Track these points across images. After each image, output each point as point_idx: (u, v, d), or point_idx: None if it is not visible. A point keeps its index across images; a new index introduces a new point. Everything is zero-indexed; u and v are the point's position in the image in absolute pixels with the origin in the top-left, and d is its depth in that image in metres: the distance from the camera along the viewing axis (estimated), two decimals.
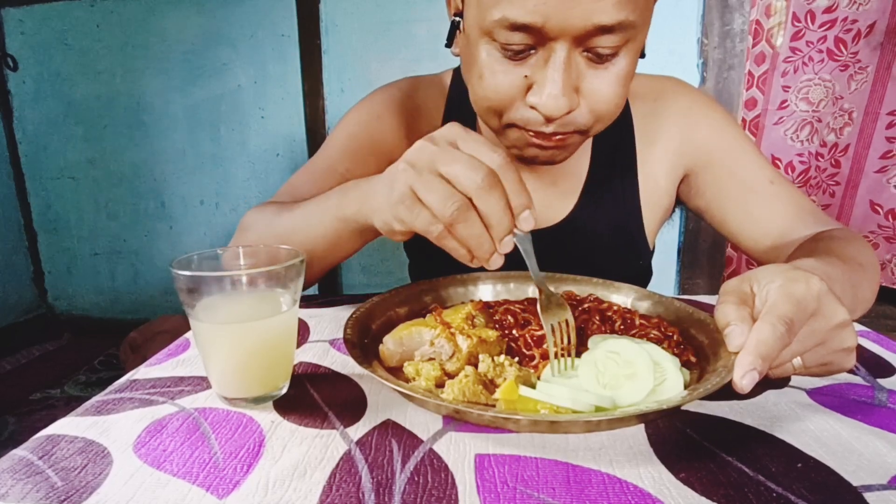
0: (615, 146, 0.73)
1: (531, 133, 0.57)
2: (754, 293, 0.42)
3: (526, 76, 0.54)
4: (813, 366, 0.41)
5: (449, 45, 0.64)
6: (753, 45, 1.57)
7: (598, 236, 0.74)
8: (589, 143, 0.74)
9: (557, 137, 0.57)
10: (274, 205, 0.66)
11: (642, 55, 0.60)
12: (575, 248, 0.74)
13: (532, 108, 0.55)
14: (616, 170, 0.73)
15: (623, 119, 0.73)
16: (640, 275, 0.80)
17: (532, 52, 0.53)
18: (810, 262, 0.49)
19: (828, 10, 1.51)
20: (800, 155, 1.65)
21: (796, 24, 1.53)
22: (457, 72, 0.79)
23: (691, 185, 0.74)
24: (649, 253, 0.79)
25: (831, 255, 0.53)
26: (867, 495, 0.32)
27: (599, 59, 0.53)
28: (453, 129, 0.44)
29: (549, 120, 0.55)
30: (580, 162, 0.74)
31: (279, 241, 0.58)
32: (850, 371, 0.47)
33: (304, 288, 0.69)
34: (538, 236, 0.72)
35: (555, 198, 0.74)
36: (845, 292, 0.48)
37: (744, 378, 0.36)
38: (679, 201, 0.78)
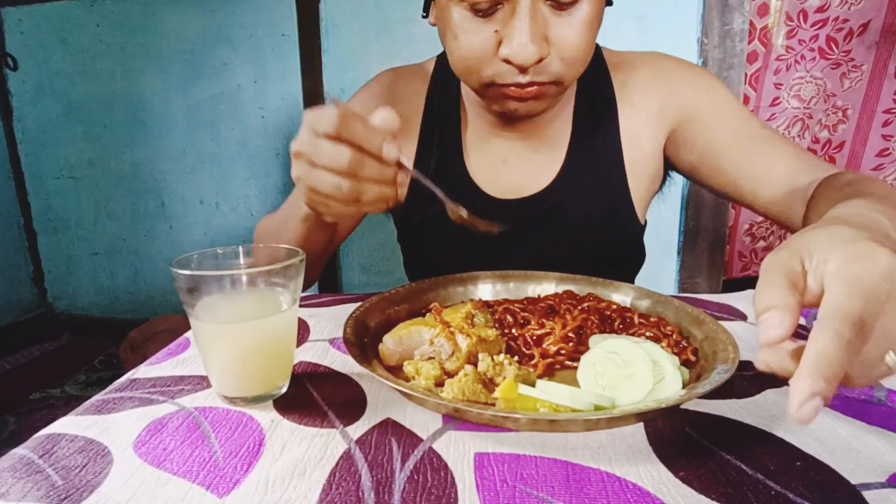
0: (597, 113, 0.74)
1: (510, 87, 0.60)
2: (806, 271, 0.32)
3: (496, 31, 0.57)
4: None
5: (426, 14, 0.68)
6: (748, 44, 1.59)
7: (584, 203, 0.74)
8: (570, 110, 0.74)
9: (534, 88, 0.60)
10: (270, 217, 0.75)
11: (609, 2, 0.63)
12: (560, 215, 0.74)
13: (505, 61, 0.57)
14: (598, 136, 0.74)
15: (603, 86, 0.74)
16: (630, 249, 0.80)
17: (499, 7, 0.56)
18: (862, 206, 0.39)
19: (820, 9, 1.52)
20: None
21: (789, 22, 1.55)
22: (440, 58, 0.80)
23: (679, 142, 0.73)
24: (639, 225, 0.78)
25: (868, 197, 0.42)
26: (866, 493, 0.32)
27: (561, 6, 0.56)
28: (307, 118, 0.47)
29: (522, 70, 0.58)
30: (562, 129, 0.74)
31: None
32: None
33: (305, 286, 0.72)
34: (523, 205, 0.74)
35: (538, 165, 0.75)
36: None
37: (803, 408, 0.27)
38: (675, 175, 0.77)
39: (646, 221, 0.80)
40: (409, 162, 0.50)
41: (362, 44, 1.80)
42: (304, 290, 0.76)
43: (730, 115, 0.69)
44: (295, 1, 1.82)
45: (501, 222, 0.74)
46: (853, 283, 0.29)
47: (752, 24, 1.56)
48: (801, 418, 0.27)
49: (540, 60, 0.56)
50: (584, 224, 0.75)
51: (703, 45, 1.58)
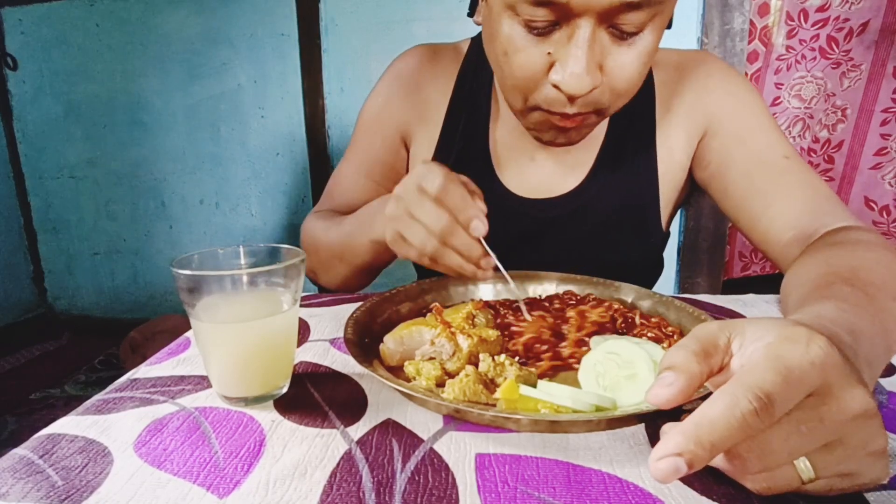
0: (634, 114, 0.70)
1: (555, 115, 0.57)
2: (731, 351, 0.30)
3: (549, 53, 0.53)
4: (830, 475, 0.28)
5: (471, 14, 0.64)
6: (748, 44, 1.59)
7: (611, 207, 0.71)
8: None
9: (579, 118, 0.57)
10: (324, 217, 0.74)
11: (669, 25, 0.57)
12: (585, 218, 0.71)
13: (555, 86, 0.54)
14: (633, 139, 0.70)
15: (645, 88, 0.70)
16: (650, 260, 0.77)
17: (556, 27, 0.52)
18: (829, 310, 0.36)
19: (820, 8, 1.52)
20: None
21: (789, 22, 1.55)
22: (474, 40, 0.77)
23: (699, 156, 0.69)
24: (662, 234, 0.74)
25: (854, 285, 0.41)
26: (868, 495, 0.32)
27: (624, 35, 0.52)
28: (418, 170, 0.52)
29: (571, 99, 0.54)
30: (597, 130, 0.71)
31: (334, 257, 0.71)
32: None
33: (359, 288, 0.77)
34: (548, 205, 0.72)
35: (567, 166, 0.72)
36: (875, 348, 0.35)
37: (661, 462, 0.25)
38: (697, 186, 0.74)
39: (669, 232, 0.77)
40: (494, 256, 0.53)
41: (362, 43, 1.80)
42: (353, 292, 0.78)
43: (753, 137, 0.64)
44: (295, 1, 1.82)
45: (523, 221, 0.73)
46: (775, 359, 0.27)
47: (752, 23, 1.56)
48: (654, 471, 0.25)
49: (591, 91, 0.53)
50: (607, 229, 0.71)
51: (703, 44, 1.58)
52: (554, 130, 0.60)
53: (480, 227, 0.50)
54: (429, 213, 0.50)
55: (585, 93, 0.53)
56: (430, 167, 0.51)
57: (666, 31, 0.56)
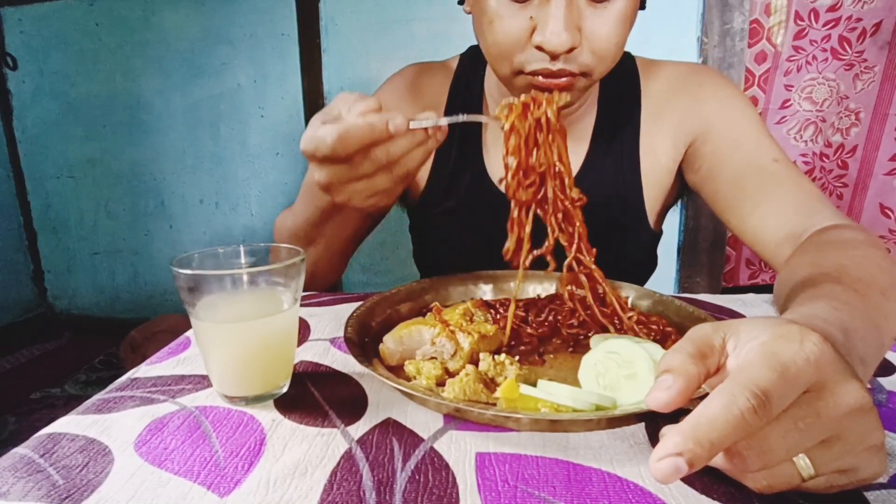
0: (619, 120, 0.74)
1: (539, 77, 0.60)
2: (727, 352, 0.31)
3: (531, 17, 0.58)
4: (829, 471, 0.28)
5: (461, 1, 0.68)
6: (754, 44, 1.56)
7: (597, 207, 0.72)
8: (593, 112, 0.75)
9: (563, 79, 0.60)
10: (287, 211, 0.75)
11: (643, 6, 0.63)
12: None
13: (538, 48, 0.58)
14: (617, 142, 0.74)
15: (630, 95, 0.74)
16: (641, 258, 0.79)
17: None
18: (821, 309, 0.37)
19: (831, 8, 1.48)
20: (804, 155, 1.62)
21: (799, 22, 1.51)
22: (463, 57, 0.82)
23: (689, 160, 0.72)
24: (651, 233, 0.77)
25: (844, 283, 0.41)
26: (868, 494, 0.32)
27: None
28: (304, 149, 0.46)
29: (553, 57, 0.58)
30: (583, 133, 0.75)
31: (299, 241, 0.70)
32: None
33: (323, 287, 0.75)
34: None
35: None
36: (868, 346, 0.36)
37: (661, 462, 0.25)
38: (689, 189, 0.76)
39: (661, 231, 0.80)
40: (424, 119, 0.46)
41: (362, 43, 1.80)
42: (335, 279, 0.78)
43: (744, 142, 0.67)
44: (295, 1, 1.82)
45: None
46: (770, 356, 0.27)
47: (760, 23, 1.53)
48: (655, 471, 0.25)
49: (571, 50, 0.57)
50: (597, 228, 0.74)
51: (703, 44, 1.58)
52: (542, 91, 0.62)
53: (398, 121, 0.44)
54: (346, 172, 0.45)
55: (565, 49, 0.56)
56: (311, 138, 0.45)
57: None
